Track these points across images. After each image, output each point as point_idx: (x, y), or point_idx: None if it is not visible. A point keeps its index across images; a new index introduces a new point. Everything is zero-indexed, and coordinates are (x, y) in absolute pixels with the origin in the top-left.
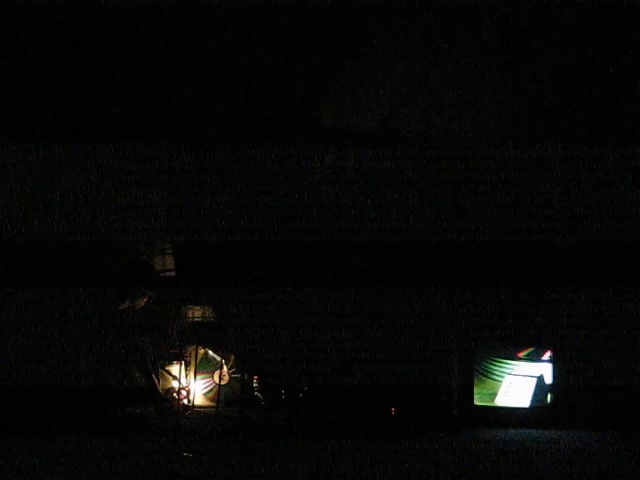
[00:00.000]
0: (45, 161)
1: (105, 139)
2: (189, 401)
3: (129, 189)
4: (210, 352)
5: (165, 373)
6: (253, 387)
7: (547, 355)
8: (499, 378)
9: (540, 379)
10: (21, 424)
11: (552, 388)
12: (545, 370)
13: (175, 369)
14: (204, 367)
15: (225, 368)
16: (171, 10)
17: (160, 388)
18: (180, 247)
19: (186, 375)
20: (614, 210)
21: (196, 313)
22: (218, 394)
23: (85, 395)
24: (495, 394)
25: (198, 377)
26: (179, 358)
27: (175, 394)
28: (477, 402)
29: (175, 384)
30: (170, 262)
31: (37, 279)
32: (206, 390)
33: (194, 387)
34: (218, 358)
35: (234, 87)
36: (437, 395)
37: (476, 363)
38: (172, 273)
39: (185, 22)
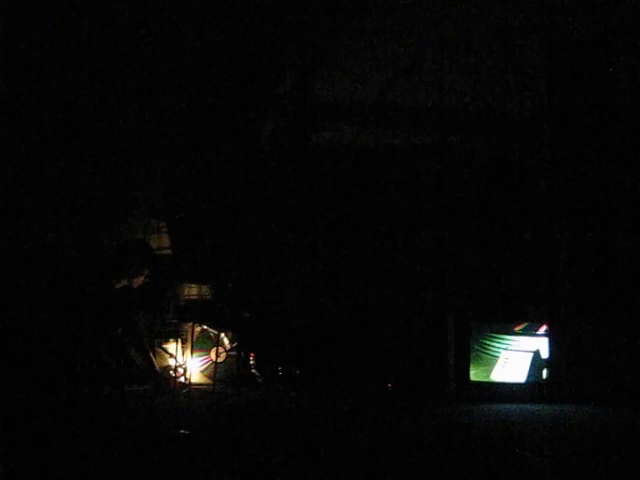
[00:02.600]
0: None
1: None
2: (186, 378)
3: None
4: (207, 329)
5: (162, 351)
6: (249, 364)
7: (543, 329)
8: (495, 353)
9: (536, 354)
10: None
11: (548, 363)
12: (541, 345)
13: (172, 347)
14: (201, 345)
15: (222, 346)
16: None
17: (157, 366)
18: (176, 225)
19: (183, 353)
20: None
21: (192, 291)
22: (215, 371)
23: (81, 373)
24: (491, 369)
25: (195, 355)
26: (176, 336)
27: (172, 372)
28: (473, 378)
29: (172, 362)
30: (166, 240)
31: (30, 257)
32: (203, 367)
33: (191, 365)
34: (215, 335)
35: (225, 61)
36: (433, 371)
37: (472, 338)
38: (168, 251)
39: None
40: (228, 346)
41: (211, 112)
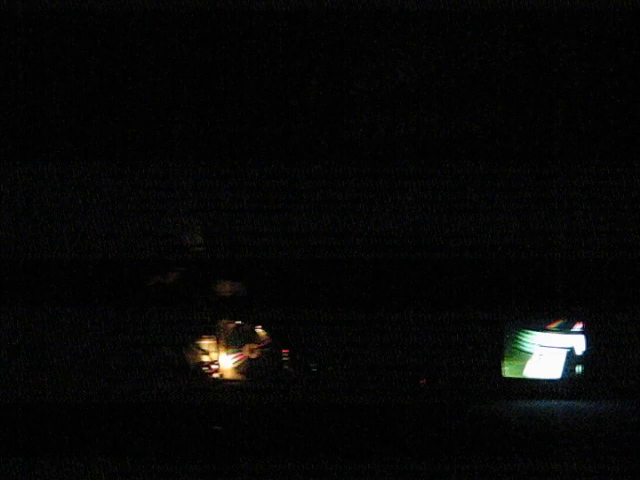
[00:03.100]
0: None
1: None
2: (219, 375)
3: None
4: (240, 326)
5: (195, 347)
6: (283, 361)
7: (578, 326)
8: (529, 350)
9: (571, 350)
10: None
11: (583, 359)
12: (576, 341)
13: (205, 343)
14: (234, 341)
15: (256, 342)
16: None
17: (190, 362)
18: (209, 223)
19: (216, 349)
20: None
21: (226, 287)
22: (248, 368)
23: (114, 370)
24: (525, 366)
25: (228, 351)
26: (209, 332)
27: (205, 368)
28: (506, 374)
29: (205, 358)
30: (200, 237)
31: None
32: (236, 364)
33: (224, 361)
34: (248, 332)
35: (253, 59)
36: (466, 366)
37: (506, 334)
38: (202, 248)
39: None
40: (266, 339)
41: (241, 110)
